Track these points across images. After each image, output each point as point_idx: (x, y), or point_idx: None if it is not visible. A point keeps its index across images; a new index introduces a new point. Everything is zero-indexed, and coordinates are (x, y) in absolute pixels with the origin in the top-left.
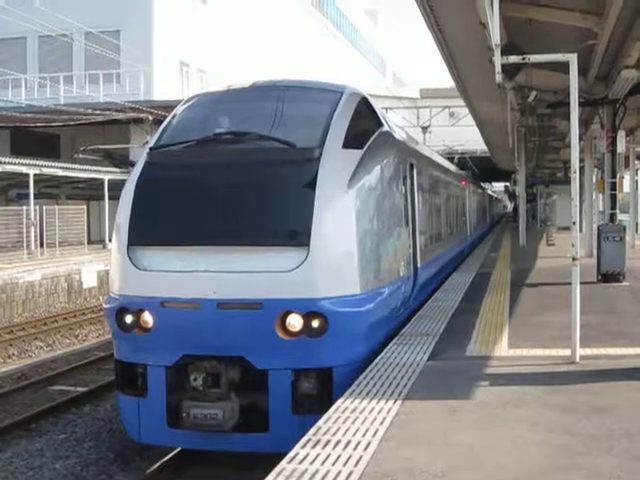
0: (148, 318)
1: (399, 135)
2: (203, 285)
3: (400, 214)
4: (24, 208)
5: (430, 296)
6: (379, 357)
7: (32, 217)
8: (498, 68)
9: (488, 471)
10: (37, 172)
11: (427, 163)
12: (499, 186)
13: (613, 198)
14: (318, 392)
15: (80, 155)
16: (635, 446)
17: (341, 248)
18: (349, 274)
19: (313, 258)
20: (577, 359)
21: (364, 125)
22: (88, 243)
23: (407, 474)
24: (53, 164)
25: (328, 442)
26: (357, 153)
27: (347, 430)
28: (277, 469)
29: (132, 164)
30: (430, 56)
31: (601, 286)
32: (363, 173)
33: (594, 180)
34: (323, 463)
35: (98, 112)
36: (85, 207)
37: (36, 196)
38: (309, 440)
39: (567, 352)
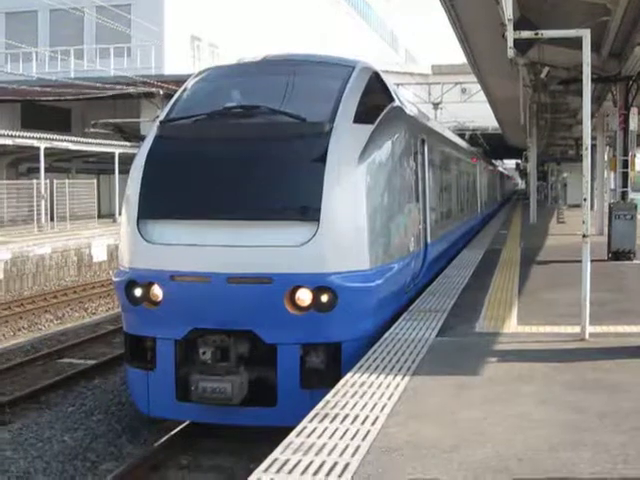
0: (157, 291)
1: (410, 111)
2: (213, 259)
3: (410, 190)
4: (34, 182)
5: (440, 272)
6: (388, 332)
7: (42, 191)
8: (510, 43)
9: (496, 447)
10: (48, 146)
11: (438, 139)
12: (510, 163)
13: (625, 176)
14: (326, 366)
15: (91, 129)
16: None
17: (351, 223)
18: (359, 249)
19: (323, 233)
20: (586, 336)
21: (375, 100)
22: (98, 217)
23: (415, 449)
24: (64, 138)
25: (336, 416)
26: (368, 128)
27: (355, 404)
28: (285, 442)
29: (143, 138)
30: (442, 32)
31: (612, 264)
32: (374, 148)
33: (606, 158)
34: (331, 437)
35: (109, 86)
36: (95, 181)
37: (47, 170)
38: (317, 414)
39: (576, 329)
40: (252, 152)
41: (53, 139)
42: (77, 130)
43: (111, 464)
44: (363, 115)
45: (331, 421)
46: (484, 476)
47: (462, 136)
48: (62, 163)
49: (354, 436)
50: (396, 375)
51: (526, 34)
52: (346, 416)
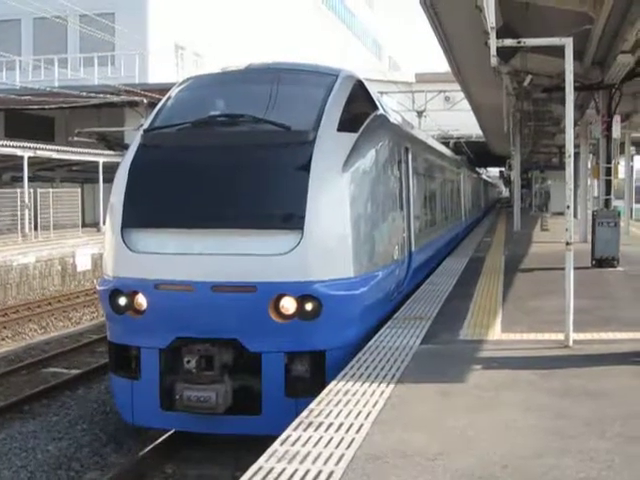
0: (142, 300)
1: (394, 119)
2: (197, 267)
3: (394, 198)
4: (18, 191)
5: (424, 280)
6: (372, 340)
7: (26, 200)
8: (493, 51)
9: (480, 454)
10: (31, 155)
11: (422, 147)
12: (494, 171)
13: (608, 184)
14: (311, 375)
15: (75, 138)
16: (628, 430)
17: (335, 231)
18: (343, 257)
19: (307, 241)
20: (570, 343)
21: (359, 108)
22: (82, 226)
23: (399, 456)
24: (47, 147)
25: (321, 424)
26: (352, 136)
27: (340, 413)
28: (269, 451)
29: (126, 147)
30: (426, 40)
31: (595, 271)
32: (358, 156)
33: (589, 166)
34: (315, 445)
35: (93, 95)
36: (79, 190)
37: (30, 179)
38: (301, 422)
39: (561, 336)
40: (236, 161)
41: (37, 148)
42: (61, 139)
43: (95, 473)
44: (347, 123)
45: (315, 429)
46: None
47: (446, 144)
48: (46, 172)
49: (339, 444)
50: (381, 383)
51: (509, 42)
52: (330, 424)
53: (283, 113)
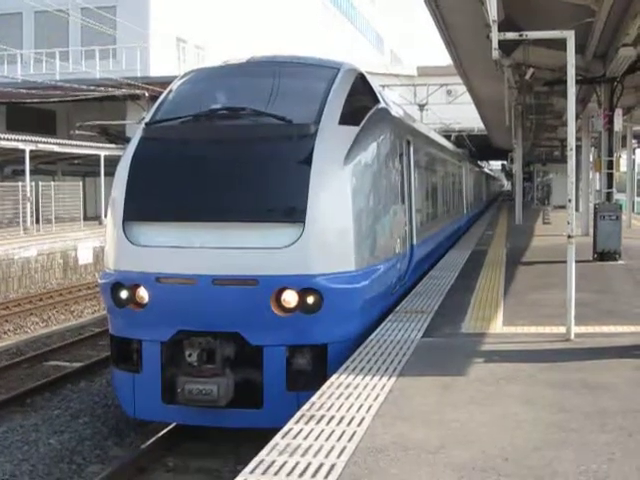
0: (143, 293)
1: (396, 112)
2: (198, 261)
3: (396, 191)
4: (20, 184)
5: (426, 273)
6: (374, 334)
7: (28, 193)
8: (495, 44)
9: (481, 447)
10: (33, 148)
11: (424, 140)
12: (496, 164)
13: (610, 177)
14: (312, 368)
15: (76, 131)
16: (628, 423)
17: (336, 225)
18: (344, 251)
19: (308, 235)
20: (572, 337)
21: (361, 102)
22: (84, 219)
23: (400, 450)
24: (49, 140)
25: (322, 418)
26: (353, 130)
27: (341, 406)
28: (271, 444)
29: (128, 140)
30: (428, 34)
31: (597, 265)
32: (359, 150)
33: (591, 159)
34: (317, 438)
35: (94, 88)
36: (81, 183)
37: (32, 172)
38: (303, 415)
39: (562, 330)
40: (238, 154)
41: (38, 141)
42: (63, 132)
43: (97, 467)
44: (348, 117)
45: (317, 422)
46: (470, 476)
47: (448, 137)
48: (48, 165)
49: (340, 437)
50: (382, 376)
51: (511, 35)
52: (332, 417)
53: (284, 106)
